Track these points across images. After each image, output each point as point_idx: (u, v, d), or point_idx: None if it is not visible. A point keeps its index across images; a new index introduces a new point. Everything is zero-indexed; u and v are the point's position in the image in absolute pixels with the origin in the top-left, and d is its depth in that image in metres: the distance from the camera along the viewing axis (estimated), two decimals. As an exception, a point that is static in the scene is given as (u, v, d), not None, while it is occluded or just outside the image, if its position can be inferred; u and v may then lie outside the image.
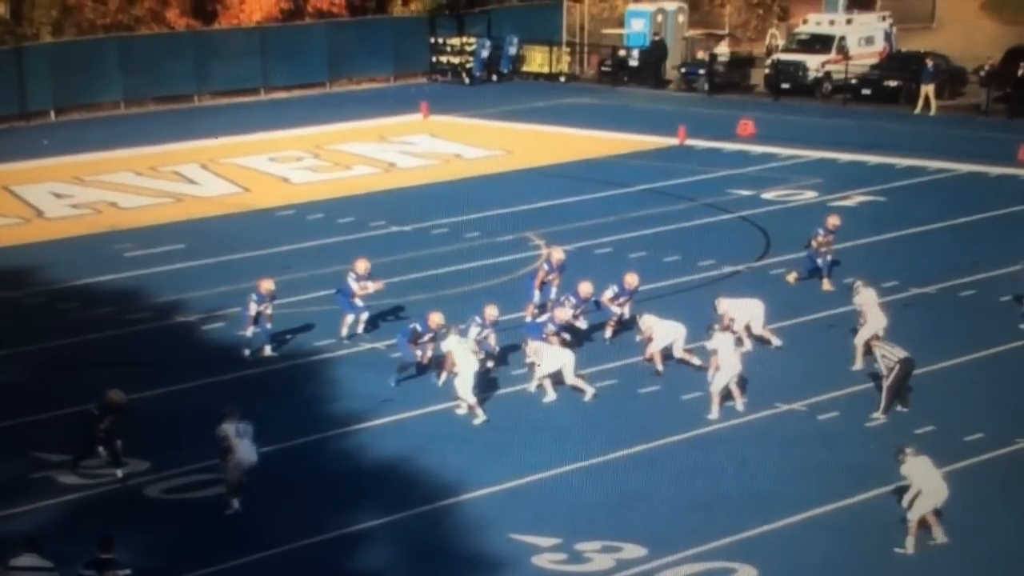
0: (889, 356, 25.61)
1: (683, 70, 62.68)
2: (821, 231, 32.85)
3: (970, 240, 37.18)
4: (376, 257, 34.94)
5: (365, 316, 29.79)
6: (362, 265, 29.77)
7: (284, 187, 44.50)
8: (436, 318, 27.12)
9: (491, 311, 27.27)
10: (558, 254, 31.31)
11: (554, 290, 30.75)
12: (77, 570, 18.12)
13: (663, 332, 27.81)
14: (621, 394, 26.98)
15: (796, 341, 29.55)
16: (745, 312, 29.01)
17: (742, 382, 26.34)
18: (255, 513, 22.25)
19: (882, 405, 25.66)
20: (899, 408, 25.74)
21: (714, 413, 25.90)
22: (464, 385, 25.75)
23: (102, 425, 23.16)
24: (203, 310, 31.66)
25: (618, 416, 25.95)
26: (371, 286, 29.56)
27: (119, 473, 23.32)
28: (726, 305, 28.75)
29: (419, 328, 27.21)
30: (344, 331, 29.64)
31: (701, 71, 61.57)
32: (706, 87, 61.06)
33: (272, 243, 36.56)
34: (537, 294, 30.68)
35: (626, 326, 29.61)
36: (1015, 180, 44.36)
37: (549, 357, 26.72)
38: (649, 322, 27.95)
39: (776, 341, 29.14)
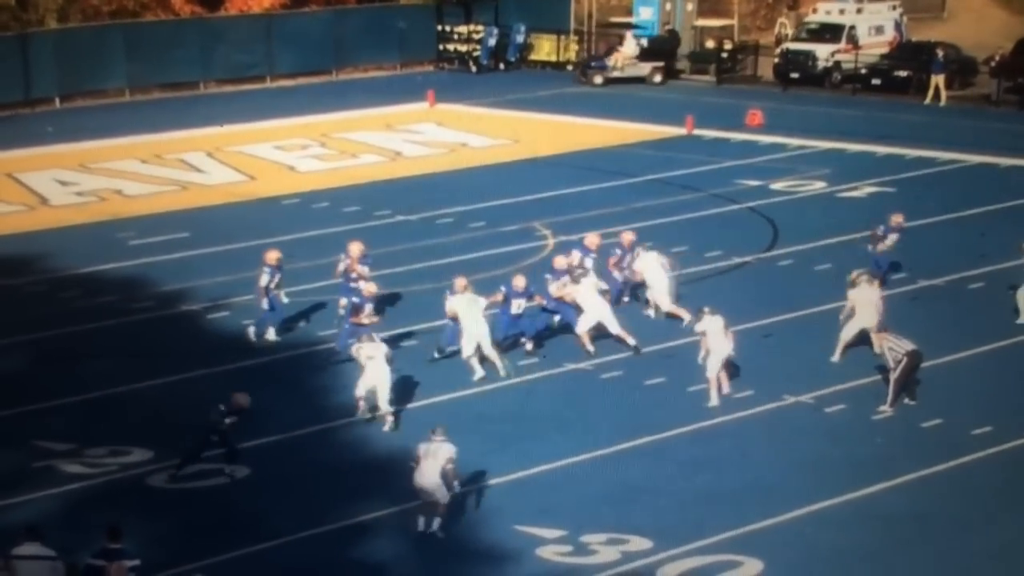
0: (896, 349, 25.44)
1: (592, 64, 61.90)
2: (882, 228, 31.94)
3: (979, 232, 37.01)
4: (382, 246, 34.88)
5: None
6: (356, 248, 29.51)
7: (290, 175, 44.37)
8: (519, 281, 27.93)
9: (519, 280, 27.86)
10: (628, 236, 31.07)
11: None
12: (85, 560, 18.03)
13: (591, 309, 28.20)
14: (626, 386, 26.85)
15: (804, 333, 29.40)
16: (652, 277, 29.41)
17: (731, 367, 26.28)
18: (258, 503, 22.18)
19: (889, 398, 25.50)
20: (906, 401, 25.58)
21: (714, 400, 25.80)
22: (468, 344, 26.69)
23: (224, 427, 22.87)
24: (207, 299, 31.55)
25: (623, 408, 25.85)
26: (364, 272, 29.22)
27: (232, 471, 23.04)
28: (642, 262, 29.48)
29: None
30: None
31: (608, 62, 61.06)
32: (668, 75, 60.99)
33: (277, 232, 36.38)
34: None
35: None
36: (1025, 171, 44.24)
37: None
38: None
39: (686, 317, 29.02)
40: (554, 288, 28.60)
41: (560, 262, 29.23)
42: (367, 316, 27.41)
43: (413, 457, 21.12)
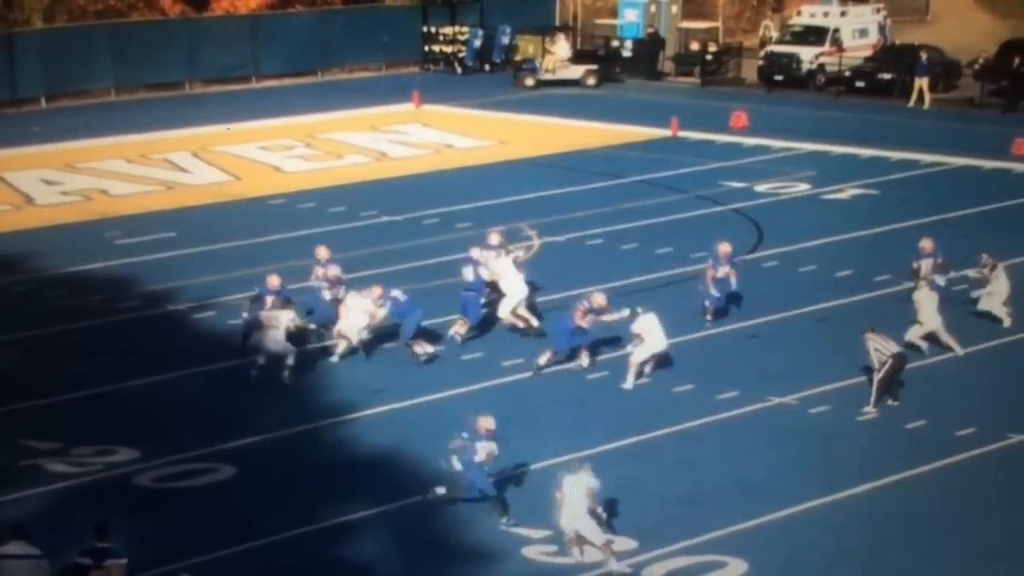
0: (882, 350, 25.56)
1: (524, 66, 61.35)
2: (710, 262, 30.08)
3: (963, 234, 37.08)
4: (367, 247, 35.02)
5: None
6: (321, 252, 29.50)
7: (275, 175, 44.41)
8: (599, 299, 27.48)
9: (599, 298, 27.35)
10: (725, 247, 30.09)
11: (734, 282, 29.85)
12: (73, 558, 18.06)
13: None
14: (612, 387, 26.89)
15: (789, 334, 29.50)
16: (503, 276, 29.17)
17: (664, 360, 26.91)
18: (246, 502, 22.22)
19: (872, 398, 25.62)
20: (890, 402, 25.70)
21: (628, 383, 26.41)
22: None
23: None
24: (193, 298, 31.57)
25: (609, 409, 25.91)
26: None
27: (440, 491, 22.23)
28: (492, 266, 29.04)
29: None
30: None
31: (539, 64, 60.78)
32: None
33: (263, 232, 36.46)
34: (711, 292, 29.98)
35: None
36: (1009, 174, 44.36)
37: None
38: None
39: (535, 323, 29.15)
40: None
41: (495, 239, 29.37)
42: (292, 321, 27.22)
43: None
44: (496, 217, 38.28)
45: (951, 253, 34.86)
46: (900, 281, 32.39)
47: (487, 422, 21.63)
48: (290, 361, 26.70)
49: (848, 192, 41.93)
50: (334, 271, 28.99)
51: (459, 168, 45.68)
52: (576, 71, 61.09)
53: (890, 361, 25.45)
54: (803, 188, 42.44)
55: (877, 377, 25.58)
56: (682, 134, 49.88)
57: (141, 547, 19.79)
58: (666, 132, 50.07)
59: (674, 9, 65.90)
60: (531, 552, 20.66)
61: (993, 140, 47.70)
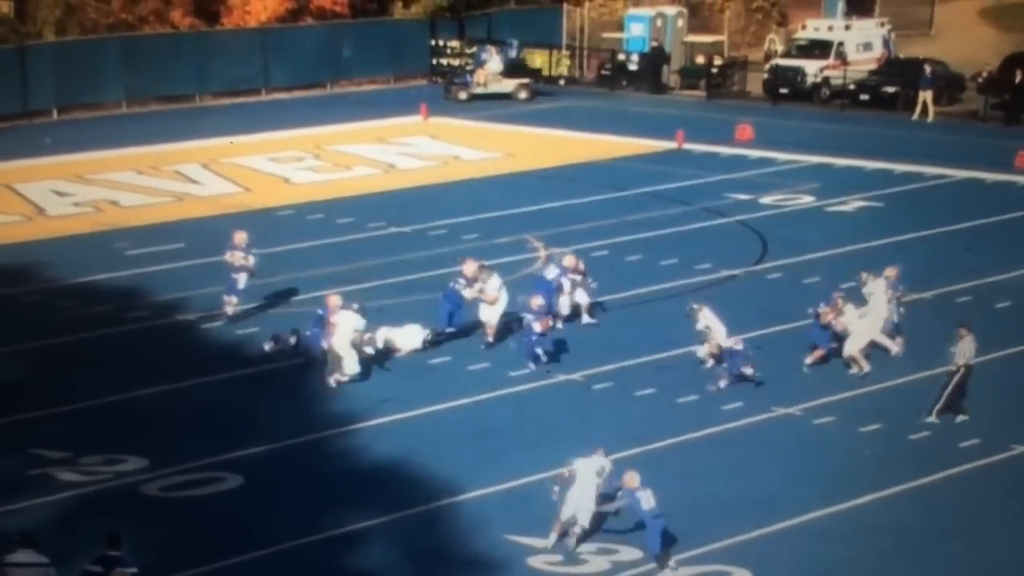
0: (961, 354, 25.66)
1: (456, 80, 61.34)
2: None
3: (967, 246, 37.30)
4: (375, 258, 35.24)
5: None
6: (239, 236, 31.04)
7: (284, 187, 44.61)
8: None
9: (570, 260, 29.46)
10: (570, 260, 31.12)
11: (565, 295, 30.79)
12: (84, 566, 18.22)
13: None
14: (617, 397, 27.07)
15: (793, 345, 29.58)
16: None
17: (669, 371, 27.62)
18: (253, 511, 22.37)
19: (938, 406, 25.68)
20: (959, 418, 25.74)
21: (722, 385, 27.16)
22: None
23: None
24: (202, 309, 31.73)
25: (614, 419, 26.04)
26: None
27: None
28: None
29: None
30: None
31: (471, 78, 60.60)
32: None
33: (272, 243, 36.56)
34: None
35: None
36: (1012, 187, 44.51)
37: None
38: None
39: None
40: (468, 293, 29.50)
41: (470, 269, 29.80)
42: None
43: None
44: (504, 228, 38.53)
45: (953, 266, 35.17)
46: (906, 292, 32.53)
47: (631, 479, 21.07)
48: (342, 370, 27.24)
49: (852, 204, 42.09)
50: (243, 257, 30.45)
51: (466, 180, 45.86)
52: (509, 84, 60.64)
53: (962, 371, 25.56)
54: (808, 200, 42.60)
55: (950, 386, 25.63)
56: (687, 146, 50.05)
57: (148, 556, 19.94)
58: (671, 144, 50.24)
59: (680, 23, 66.13)
60: (536, 562, 20.79)
61: (996, 153, 47.85)
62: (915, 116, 56.18)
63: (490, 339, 29.47)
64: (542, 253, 35.92)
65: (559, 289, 30.37)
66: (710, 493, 23.07)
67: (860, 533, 21.74)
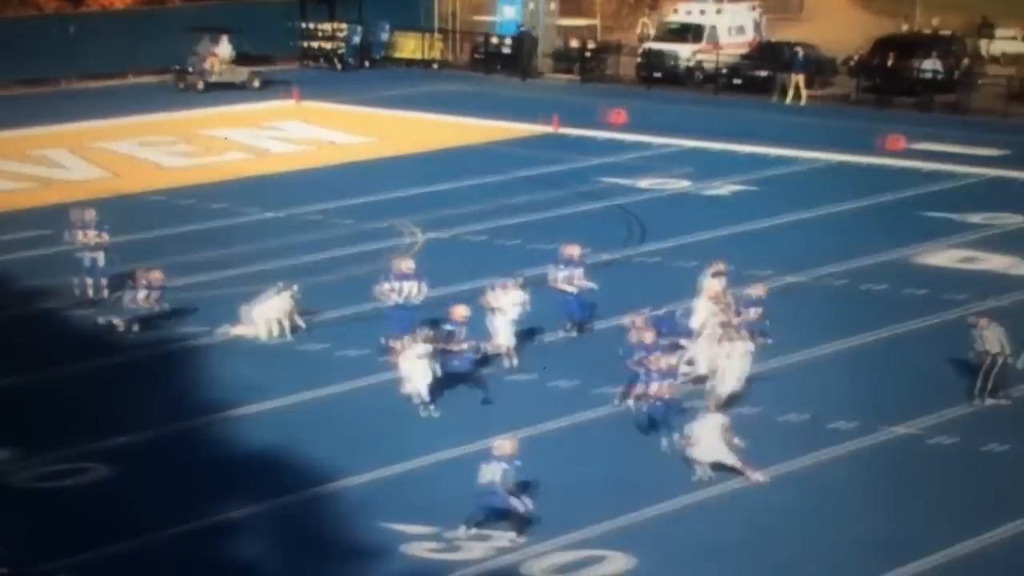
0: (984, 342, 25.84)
1: (191, 69, 58.48)
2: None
3: (841, 229, 37.63)
4: (249, 243, 34.78)
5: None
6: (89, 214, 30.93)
7: (155, 172, 43.94)
8: (460, 311, 26.28)
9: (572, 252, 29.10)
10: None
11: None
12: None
13: None
14: (494, 381, 26.78)
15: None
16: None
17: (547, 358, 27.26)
18: (123, 502, 21.95)
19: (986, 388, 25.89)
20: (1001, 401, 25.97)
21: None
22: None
23: None
24: (71, 296, 31.11)
25: (490, 405, 25.84)
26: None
27: None
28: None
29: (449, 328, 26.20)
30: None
31: (204, 66, 58.20)
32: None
33: (143, 228, 36.03)
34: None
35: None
36: (883, 169, 45.01)
37: None
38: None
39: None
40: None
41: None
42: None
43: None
44: (378, 213, 38.26)
45: (829, 250, 35.43)
46: (782, 276, 32.75)
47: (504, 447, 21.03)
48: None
49: (727, 188, 42.32)
50: (97, 235, 30.54)
51: (340, 164, 45.51)
52: (241, 73, 58.75)
53: (996, 359, 25.78)
54: (684, 184, 42.77)
55: (993, 371, 25.81)
56: (563, 130, 50.05)
57: (21, 547, 19.52)
58: (547, 129, 50.22)
59: (552, 6, 66.14)
60: (411, 549, 20.60)
61: (868, 136, 48.38)
62: (788, 100, 56.70)
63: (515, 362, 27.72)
64: (419, 238, 35.69)
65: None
66: (589, 477, 22.95)
67: (735, 514, 21.74)
